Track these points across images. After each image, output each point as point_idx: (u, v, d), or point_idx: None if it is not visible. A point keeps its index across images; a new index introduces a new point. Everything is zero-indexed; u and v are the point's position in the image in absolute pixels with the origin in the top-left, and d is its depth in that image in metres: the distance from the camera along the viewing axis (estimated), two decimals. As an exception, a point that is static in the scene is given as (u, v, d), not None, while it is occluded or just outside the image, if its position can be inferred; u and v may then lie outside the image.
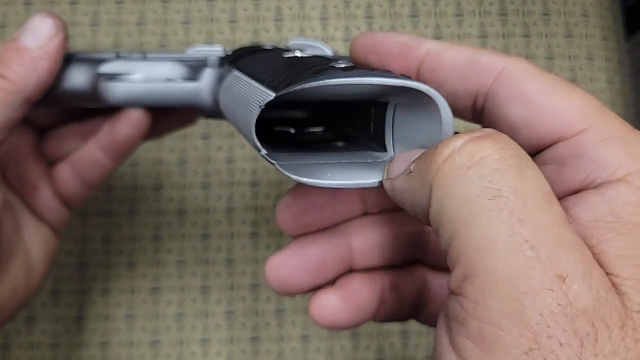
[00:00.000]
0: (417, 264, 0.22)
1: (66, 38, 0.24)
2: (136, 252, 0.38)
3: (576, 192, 0.16)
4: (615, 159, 0.16)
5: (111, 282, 0.37)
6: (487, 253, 0.13)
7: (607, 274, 0.14)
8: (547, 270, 0.13)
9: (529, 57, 0.41)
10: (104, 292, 0.37)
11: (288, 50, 0.23)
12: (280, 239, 0.38)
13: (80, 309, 0.37)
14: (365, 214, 0.22)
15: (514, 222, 0.13)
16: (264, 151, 0.17)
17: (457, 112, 0.19)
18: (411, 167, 0.16)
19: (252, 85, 0.19)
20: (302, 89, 0.16)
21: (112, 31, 0.40)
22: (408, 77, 0.16)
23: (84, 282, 0.37)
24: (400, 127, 0.19)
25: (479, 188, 0.13)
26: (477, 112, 0.19)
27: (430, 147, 0.15)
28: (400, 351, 0.37)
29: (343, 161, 0.18)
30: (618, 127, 0.16)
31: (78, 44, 0.40)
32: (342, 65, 0.17)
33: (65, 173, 0.29)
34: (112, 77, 0.25)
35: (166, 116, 0.29)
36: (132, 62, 0.25)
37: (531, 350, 0.12)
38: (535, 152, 0.17)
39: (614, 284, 0.13)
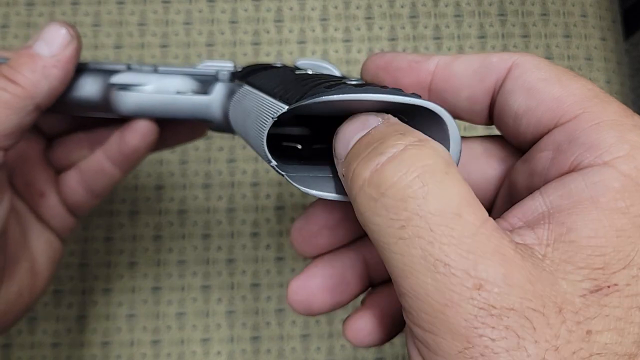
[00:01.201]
0: None
1: (79, 47, 0.24)
2: (137, 252, 0.38)
3: (562, 174, 0.16)
4: (604, 142, 0.15)
5: (112, 282, 0.37)
6: (406, 277, 0.14)
7: (560, 261, 0.14)
8: (464, 282, 0.13)
9: (528, 57, 0.41)
10: (105, 291, 0.37)
11: (298, 68, 0.24)
12: (280, 239, 0.38)
13: (82, 309, 0.37)
14: None
15: (424, 245, 0.14)
16: (274, 162, 0.17)
17: (476, 117, 0.20)
18: (343, 170, 0.16)
19: (263, 98, 0.19)
20: (314, 104, 0.16)
21: (113, 31, 0.40)
22: (418, 96, 0.17)
23: (85, 282, 0.37)
24: None
25: (388, 220, 0.14)
26: (491, 109, 0.19)
27: (351, 151, 0.16)
28: (400, 350, 0.37)
29: None
30: (614, 111, 0.16)
31: (79, 44, 0.40)
32: (354, 82, 0.17)
33: (72, 181, 0.29)
34: (124, 87, 0.25)
35: (174, 128, 0.29)
36: (144, 74, 0.25)
37: (466, 349, 0.13)
38: (535, 140, 0.18)
39: (562, 272, 0.14)
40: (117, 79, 0.25)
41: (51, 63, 0.23)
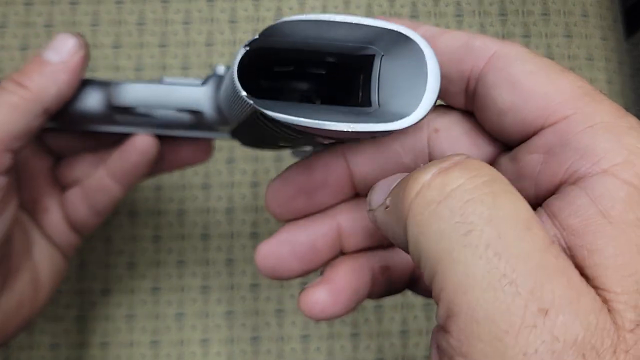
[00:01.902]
0: None
1: (87, 55, 0.25)
2: (136, 253, 0.38)
3: (560, 184, 0.15)
4: (600, 148, 0.14)
5: (111, 283, 0.37)
6: (465, 291, 0.12)
7: (598, 289, 0.13)
8: (529, 305, 0.12)
9: (529, 57, 0.41)
10: (104, 292, 0.37)
11: None
12: (280, 239, 0.38)
13: (80, 309, 0.37)
14: (356, 195, 0.21)
15: (490, 256, 0.12)
16: (243, 93, 0.16)
17: (450, 98, 0.19)
18: (387, 200, 0.16)
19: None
20: (291, 37, 0.16)
21: (112, 31, 0.40)
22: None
23: (84, 282, 0.37)
24: (386, 81, 0.18)
25: (452, 224, 0.13)
26: (470, 98, 0.18)
27: (404, 178, 0.15)
28: (400, 351, 0.37)
29: (325, 109, 0.18)
30: (607, 112, 0.15)
31: (78, 44, 0.40)
32: None
33: (75, 198, 0.29)
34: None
35: (177, 148, 0.29)
36: (148, 84, 0.26)
37: None
38: (522, 139, 0.17)
39: (605, 301, 0.13)
40: (117, 88, 0.26)
41: (59, 68, 0.24)
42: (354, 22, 0.16)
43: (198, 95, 0.25)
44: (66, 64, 0.24)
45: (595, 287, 0.13)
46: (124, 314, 0.37)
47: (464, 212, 0.13)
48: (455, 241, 0.13)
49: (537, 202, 0.16)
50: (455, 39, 0.18)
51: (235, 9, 0.41)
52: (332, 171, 0.20)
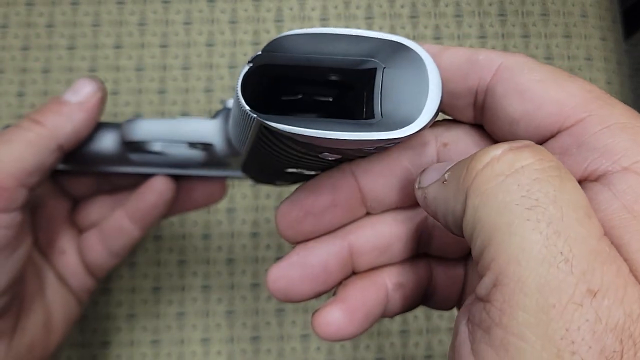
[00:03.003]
0: (422, 256, 0.21)
1: (104, 98, 0.26)
2: (138, 252, 0.38)
3: (579, 182, 0.15)
4: (618, 146, 0.15)
5: (112, 282, 0.37)
6: (520, 262, 0.13)
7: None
8: (579, 285, 0.12)
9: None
10: (105, 291, 0.37)
11: None
12: (280, 239, 0.38)
13: (82, 309, 0.37)
14: (367, 214, 0.21)
15: (550, 233, 0.13)
16: (247, 107, 0.16)
17: (458, 113, 0.19)
18: (446, 175, 0.16)
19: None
20: (293, 51, 0.16)
21: (113, 32, 0.40)
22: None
23: (85, 282, 0.37)
24: (388, 93, 0.18)
25: (518, 197, 0.13)
26: (479, 111, 0.19)
27: (466, 158, 0.15)
28: (400, 350, 0.37)
29: (329, 122, 0.17)
30: (621, 113, 0.15)
31: (80, 44, 0.40)
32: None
33: (93, 240, 0.30)
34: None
35: (192, 189, 0.30)
36: (161, 119, 0.27)
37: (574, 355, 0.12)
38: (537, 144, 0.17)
39: None
40: (133, 122, 0.27)
41: (76, 108, 0.25)
42: (355, 34, 0.16)
43: (208, 128, 0.25)
44: (83, 105, 0.25)
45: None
46: (124, 313, 0.37)
47: (530, 189, 0.13)
48: (518, 214, 0.13)
49: None
50: (458, 54, 0.18)
51: (235, 9, 0.41)
52: (341, 191, 0.20)
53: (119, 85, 0.39)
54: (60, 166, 0.28)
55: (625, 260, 0.13)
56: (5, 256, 0.24)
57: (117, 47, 0.40)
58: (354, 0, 0.41)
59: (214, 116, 0.26)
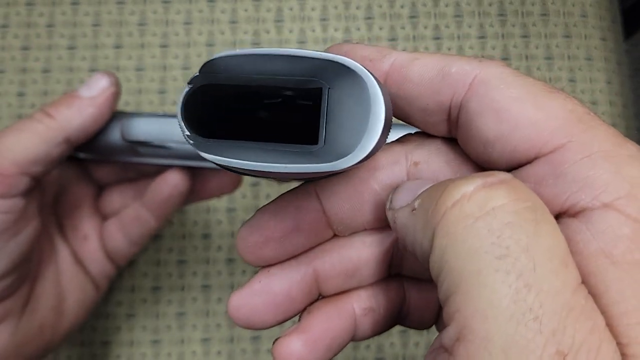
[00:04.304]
0: (394, 277, 0.20)
1: (117, 93, 0.27)
2: (137, 252, 0.38)
3: (557, 216, 0.14)
4: (600, 180, 0.13)
5: (112, 282, 0.37)
6: (486, 317, 0.12)
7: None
8: (548, 346, 0.11)
9: (529, 57, 0.41)
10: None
11: None
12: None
13: (82, 308, 0.37)
14: (335, 236, 0.20)
15: (520, 287, 0.12)
16: (186, 132, 0.16)
17: (431, 128, 0.18)
18: (416, 203, 0.14)
19: None
20: (234, 72, 0.16)
21: (113, 32, 0.40)
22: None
23: (85, 282, 0.37)
24: (333, 117, 0.17)
25: (488, 243, 0.12)
26: (453, 125, 0.17)
27: (438, 184, 0.14)
28: (400, 350, 0.37)
29: (269, 148, 0.16)
30: (605, 138, 0.14)
31: (80, 44, 0.40)
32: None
33: (113, 228, 0.31)
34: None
35: (206, 180, 0.31)
36: (165, 118, 0.27)
37: None
38: (512, 168, 0.16)
39: (620, 345, 0.12)
40: (138, 119, 0.27)
41: (87, 102, 0.26)
42: (296, 55, 0.15)
43: None
44: (94, 99, 0.26)
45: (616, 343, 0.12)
46: (124, 313, 0.37)
47: (501, 235, 0.12)
48: (487, 263, 0.12)
49: None
50: (429, 67, 0.16)
51: (235, 9, 0.41)
52: (305, 215, 0.19)
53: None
54: (82, 155, 0.29)
55: (602, 312, 0.12)
56: (5, 240, 0.25)
57: (117, 47, 0.40)
58: (354, 1, 0.41)
59: None
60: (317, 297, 0.20)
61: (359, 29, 0.41)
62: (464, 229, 0.12)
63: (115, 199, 0.32)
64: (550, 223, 0.12)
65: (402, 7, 0.41)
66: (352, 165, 0.15)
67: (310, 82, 0.17)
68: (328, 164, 0.15)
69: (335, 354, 0.19)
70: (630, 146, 0.14)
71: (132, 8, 0.41)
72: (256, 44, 0.40)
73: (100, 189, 0.32)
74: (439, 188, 0.14)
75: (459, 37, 0.41)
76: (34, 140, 0.24)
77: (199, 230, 0.38)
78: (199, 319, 0.37)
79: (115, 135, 0.28)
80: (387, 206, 0.16)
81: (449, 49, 0.41)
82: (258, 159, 0.15)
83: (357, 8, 0.41)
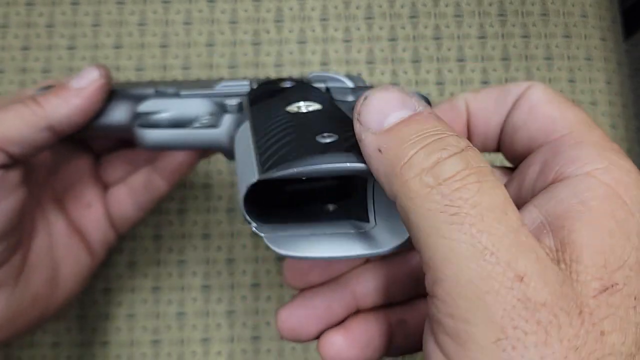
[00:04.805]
0: (420, 297, 0.23)
1: (106, 85, 0.27)
2: (137, 252, 0.38)
3: (550, 184, 0.18)
4: (585, 157, 0.17)
5: (112, 281, 0.37)
6: (451, 261, 0.15)
7: (572, 262, 0.15)
8: (507, 272, 0.14)
9: (528, 57, 0.41)
10: (104, 291, 0.37)
11: (294, 95, 0.25)
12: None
13: (81, 308, 0.37)
14: (367, 261, 0.23)
15: (474, 233, 0.14)
16: (254, 225, 0.19)
17: (484, 146, 0.23)
18: (382, 145, 0.17)
19: (249, 150, 0.20)
20: (291, 171, 0.18)
21: (113, 32, 0.40)
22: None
23: (85, 282, 0.37)
24: (379, 198, 0.20)
25: (442, 205, 0.15)
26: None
27: (399, 143, 0.17)
28: (400, 350, 0.37)
29: (329, 232, 0.19)
30: (597, 134, 0.18)
31: (80, 44, 0.40)
32: (328, 141, 0.18)
33: (121, 194, 0.32)
34: (144, 123, 0.27)
35: None
36: (166, 99, 0.28)
37: (499, 340, 0.14)
38: (526, 154, 0.20)
39: (574, 272, 0.15)
40: (143, 107, 0.28)
41: (75, 93, 0.26)
42: (331, 169, 0.18)
43: (216, 137, 0.26)
44: (81, 91, 0.26)
45: (570, 260, 0.15)
46: (124, 313, 0.37)
47: (452, 197, 0.15)
48: (444, 219, 0.15)
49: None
50: (492, 90, 0.21)
51: (235, 9, 0.41)
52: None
53: (119, 85, 0.39)
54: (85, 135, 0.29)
55: (573, 244, 0.16)
56: None
57: (117, 47, 0.40)
58: (354, 0, 0.41)
59: (217, 124, 0.26)
60: (355, 310, 0.23)
61: (359, 29, 0.41)
62: (423, 196, 0.15)
63: (117, 166, 0.32)
64: (490, 182, 0.15)
65: (402, 7, 0.41)
66: (403, 244, 0.18)
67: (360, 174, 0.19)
68: (387, 248, 0.18)
69: (372, 356, 0.22)
70: (615, 145, 0.18)
71: (132, 8, 0.41)
72: (256, 43, 0.40)
73: (97, 156, 0.33)
74: (404, 148, 0.16)
75: (459, 37, 0.41)
76: (16, 122, 0.25)
77: (198, 231, 0.38)
78: (198, 319, 0.37)
79: (114, 116, 0.28)
80: (355, 114, 0.18)
81: (449, 49, 0.41)
82: (327, 250, 0.19)
83: (357, 8, 0.41)
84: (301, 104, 0.23)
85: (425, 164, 0.16)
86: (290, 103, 0.23)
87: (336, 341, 0.22)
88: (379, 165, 0.17)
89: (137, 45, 0.40)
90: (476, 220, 0.15)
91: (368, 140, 0.17)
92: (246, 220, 0.18)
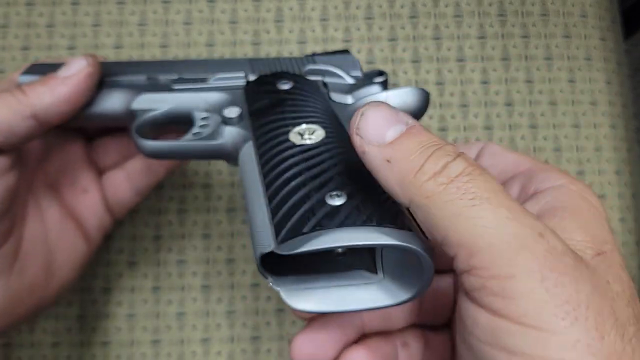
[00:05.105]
0: (416, 326, 0.25)
1: (93, 74, 0.27)
2: (137, 251, 0.38)
3: (532, 195, 0.23)
4: (554, 177, 0.22)
5: (112, 281, 0.37)
6: (483, 233, 0.17)
7: (566, 239, 0.19)
8: (531, 232, 0.17)
9: (528, 57, 0.41)
10: (105, 291, 0.37)
11: (295, 110, 0.25)
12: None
13: (82, 308, 0.37)
14: None
15: (494, 208, 0.18)
16: (271, 280, 0.20)
17: None
18: (389, 155, 0.19)
19: (258, 188, 0.22)
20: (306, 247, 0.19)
21: (113, 32, 0.40)
22: (400, 227, 0.19)
23: (85, 281, 0.37)
24: (386, 252, 0.21)
25: (459, 194, 0.18)
26: None
27: (410, 152, 0.19)
28: (400, 350, 0.37)
29: (341, 284, 0.21)
30: (552, 167, 0.24)
31: (80, 44, 0.40)
32: (338, 204, 0.20)
33: (118, 179, 0.32)
34: (142, 120, 0.28)
35: None
36: (160, 94, 0.28)
37: (542, 282, 0.17)
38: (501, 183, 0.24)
39: (572, 246, 0.19)
40: (136, 104, 0.28)
41: (60, 81, 0.26)
42: (365, 245, 0.19)
43: (216, 149, 0.27)
44: (67, 79, 0.26)
45: (565, 239, 0.19)
46: (124, 313, 0.37)
47: (466, 188, 0.18)
48: (464, 205, 0.18)
49: None
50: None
51: (235, 9, 0.41)
52: None
53: (119, 85, 0.39)
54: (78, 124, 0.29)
55: (564, 229, 0.19)
56: None
57: (118, 47, 0.40)
58: (354, 1, 0.42)
59: (216, 137, 0.27)
60: (363, 333, 0.25)
61: (358, 29, 0.41)
62: (440, 192, 0.18)
63: (111, 150, 0.32)
64: (486, 173, 0.19)
65: (402, 7, 0.42)
66: (413, 297, 0.20)
67: None
68: (398, 300, 0.20)
69: None
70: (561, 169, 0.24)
71: (132, 8, 0.41)
72: (256, 44, 0.41)
73: (89, 140, 0.32)
74: (414, 159, 0.19)
75: (458, 37, 0.41)
76: (2, 109, 0.25)
77: (198, 230, 0.38)
78: (198, 319, 0.37)
79: (107, 105, 0.28)
80: (354, 129, 0.20)
81: (449, 49, 0.41)
82: (342, 303, 0.20)
83: (357, 8, 0.41)
84: (304, 128, 0.24)
85: (436, 169, 0.19)
86: (293, 125, 0.24)
87: (359, 356, 0.23)
88: (389, 174, 0.19)
89: (137, 45, 0.40)
90: (492, 198, 0.18)
91: (373, 152, 0.20)
92: (263, 275, 0.20)
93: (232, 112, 0.26)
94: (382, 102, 0.21)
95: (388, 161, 0.19)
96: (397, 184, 0.19)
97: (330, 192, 0.20)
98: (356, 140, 0.20)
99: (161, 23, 0.41)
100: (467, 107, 0.40)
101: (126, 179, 0.32)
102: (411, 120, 0.20)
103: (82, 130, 0.32)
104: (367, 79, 0.29)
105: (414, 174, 0.19)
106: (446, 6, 0.42)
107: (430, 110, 0.40)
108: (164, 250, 0.38)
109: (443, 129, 0.40)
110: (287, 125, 0.24)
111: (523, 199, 0.23)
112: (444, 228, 0.18)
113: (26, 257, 0.28)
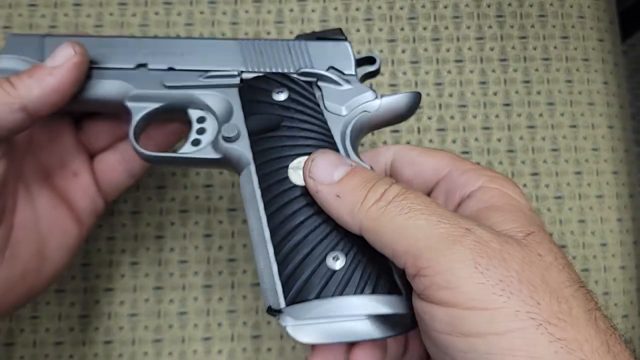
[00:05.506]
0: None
1: (81, 62, 0.27)
2: (139, 252, 0.38)
3: (460, 201, 0.26)
4: (472, 179, 0.26)
5: (114, 281, 0.38)
6: (422, 237, 0.21)
7: (498, 230, 0.22)
8: (459, 227, 0.21)
9: (527, 58, 0.42)
10: (107, 290, 0.37)
11: (294, 135, 0.27)
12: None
13: (84, 308, 0.37)
14: None
15: (427, 216, 0.21)
16: (279, 318, 0.24)
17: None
18: (338, 191, 0.23)
19: (263, 249, 0.25)
20: None
21: (115, 33, 0.40)
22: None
23: (87, 281, 0.37)
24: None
25: (397, 211, 0.22)
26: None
27: (356, 183, 0.24)
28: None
29: (335, 318, 0.23)
30: (469, 163, 0.27)
31: (81, 45, 0.40)
32: (337, 268, 0.24)
33: (112, 161, 0.32)
34: (137, 128, 0.29)
35: None
36: (152, 91, 0.29)
37: (476, 268, 0.20)
38: (428, 192, 0.27)
39: (504, 227, 0.23)
40: (131, 102, 0.28)
41: (48, 72, 0.26)
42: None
43: (217, 163, 0.28)
44: (54, 69, 0.26)
45: (497, 230, 0.22)
46: (126, 313, 0.37)
47: (402, 205, 0.22)
48: (403, 219, 0.22)
49: None
50: (368, 155, 0.29)
51: (236, 11, 0.41)
52: None
53: (121, 86, 0.40)
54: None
55: (494, 224, 0.23)
56: None
57: (119, 48, 0.40)
58: (354, 2, 0.42)
59: (217, 149, 0.28)
60: None
61: (358, 30, 0.41)
62: (383, 213, 0.22)
63: (101, 132, 0.32)
64: (417, 192, 0.23)
65: (401, 8, 0.42)
66: (399, 334, 0.24)
67: None
68: (397, 331, 0.23)
69: None
70: (482, 166, 0.27)
71: (134, 10, 0.41)
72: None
73: (77, 122, 0.32)
74: (358, 192, 0.23)
75: (457, 39, 0.42)
76: None
77: (200, 230, 0.38)
78: (200, 318, 0.37)
79: (101, 90, 0.28)
80: (307, 174, 0.24)
81: (448, 50, 0.41)
82: (340, 336, 0.23)
83: (357, 9, 0.42)
84: (301, 161, 0.26)
85: (376, 196, 0.23)
86: (292, 157, 0.26)
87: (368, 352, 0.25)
88: (340, 206, 0.23)
89: (139, 47, 0.40)
90: (424, 209, 0.22)
91: (325, 190, 0.24)
92: (271, 315, 0.24)
93: (231, 131, 0.27)
94: (327, 150, 0.25)
95: (338, 196, 0.23)
96: (347, 213, 0.23)
97: (330, 251, 0.24)
98: (309, 183, 0.24)
99: (162, 24, 0.41)
100: (466, 108, 0.41)
101: (119, 161, 0.31)
102: (354, 162, 0.25)
103: (70, 113, 0.31)
104: (361, 76, 0.30)
105: (360, 203, 0.23)
106: (445, 8, 0.42)
107: (429, 111, 0.41)
108: (165, 250, 0.38)
109: (442, 130, 0.41)
110: (286, 157, 0.26)
111: (451, 206, 0.26)
112: (391, 242, 0.22)
113: (17, 245, 0.28)
